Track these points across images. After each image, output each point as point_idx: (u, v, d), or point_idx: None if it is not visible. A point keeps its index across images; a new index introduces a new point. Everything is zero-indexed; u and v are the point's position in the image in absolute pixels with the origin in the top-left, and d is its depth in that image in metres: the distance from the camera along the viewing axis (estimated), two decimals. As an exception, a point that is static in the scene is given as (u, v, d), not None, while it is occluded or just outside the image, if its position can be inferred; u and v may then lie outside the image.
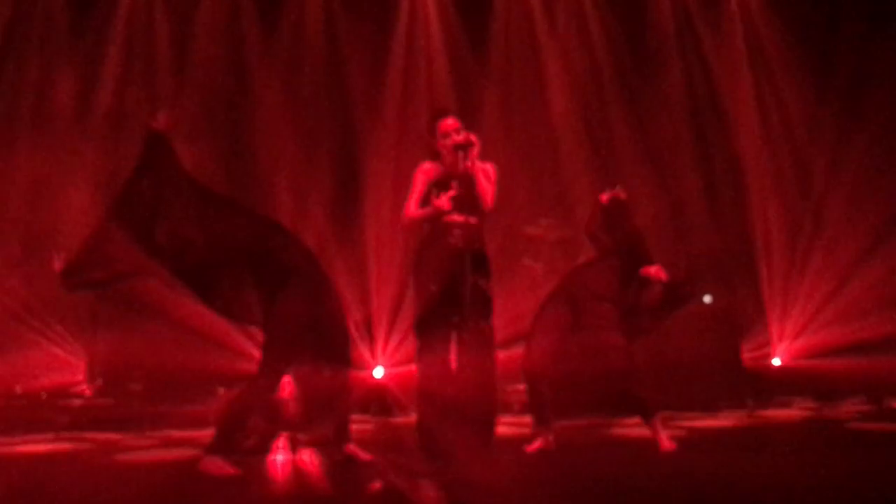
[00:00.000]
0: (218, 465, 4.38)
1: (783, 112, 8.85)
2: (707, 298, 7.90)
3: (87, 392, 7.07)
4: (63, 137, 7.93)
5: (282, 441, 5.30)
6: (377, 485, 4.35)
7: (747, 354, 7.92)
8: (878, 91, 8.33)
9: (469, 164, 4.72)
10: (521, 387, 7.45)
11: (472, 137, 4.76)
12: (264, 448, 5.11)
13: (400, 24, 8.84)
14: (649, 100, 8.84)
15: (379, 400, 7.26)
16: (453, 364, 4.66)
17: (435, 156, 4.92)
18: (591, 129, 8.78)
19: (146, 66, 8.36)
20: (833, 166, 8.43)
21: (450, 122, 4.87)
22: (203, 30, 8.46)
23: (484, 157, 4.85)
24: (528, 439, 5.10)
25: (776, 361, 8.19)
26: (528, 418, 6.15)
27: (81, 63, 8.16)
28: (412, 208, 4.83)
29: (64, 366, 7.43)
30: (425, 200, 4.82)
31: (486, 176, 4.80)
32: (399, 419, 6.83)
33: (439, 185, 4.82)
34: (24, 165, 7.76)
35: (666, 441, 4.93)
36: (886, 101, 8.28)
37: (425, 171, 4.88)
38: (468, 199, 4.77)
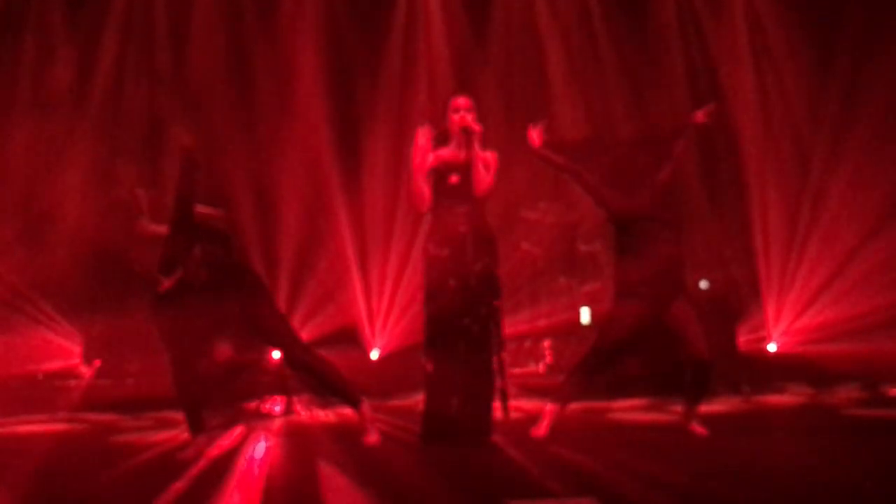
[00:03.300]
0: (192, 450, 4.51)
1: (783, 95, 8.82)
2: (703, 284, 7.91)
3: (84, 374, 7.07)
4: (60, 119, 7.90)
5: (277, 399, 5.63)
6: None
7: (743, 340, 7.94)
8: (879, 76, 8.29)
9: (470, 150, 4.73)
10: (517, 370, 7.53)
11: (474, 126, 4.76)
12: (230, 422, 5.47)
13: (399, 5, 8.79)
14: (650, 83, 8.81)
15: (375, 382, 7.27)
16: (461, 350, 4.68)
17: (444, 135, 4.91)
18: (592, 112, 8.75)
19: (144, 46, 8.31)
20: (833, 151, 8.41)
21: (461, 100, 4.87)
22: (201, 9, 8.40)
23: (484, 140, 4.85)
24: (534, 422, 5.03)
25: (772, 347, 8.20)
26: (522, 403, 6.20)
27: (79, 43, 8.11)
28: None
29: (60, 347, 7.44)
30: (433, 175, 4.83)
31: (485, 164, 4.80)
32: (395, 402, 6.84)
33: (439, 173, 4.83)
34: (21, 147, 7.74)
35: (699, 426, 4.96)
36: (888, 85, 8.25)
37: (424, 147, 4.85)
38: (469, 187, 4.78)
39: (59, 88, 7.98)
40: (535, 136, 5.07)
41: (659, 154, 5.10)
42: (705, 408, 5.17)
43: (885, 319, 7.62)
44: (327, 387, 4.83)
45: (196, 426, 4.61)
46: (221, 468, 4.17)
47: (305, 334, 7.41)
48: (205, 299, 4.62)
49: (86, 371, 7.13)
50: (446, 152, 4.86)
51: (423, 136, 4.86)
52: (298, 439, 5.20)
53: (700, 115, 5.10)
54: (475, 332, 4.72)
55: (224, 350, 5.57)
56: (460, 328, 4.71)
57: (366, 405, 4.80)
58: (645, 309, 4.88)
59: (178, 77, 8.22)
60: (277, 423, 5.84)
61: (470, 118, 4.79)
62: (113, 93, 8.12)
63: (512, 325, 7.61)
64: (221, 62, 8.30)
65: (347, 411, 5.12)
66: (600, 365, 4.96)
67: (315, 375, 4.80)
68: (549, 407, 4.94)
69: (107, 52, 8.20)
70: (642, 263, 4.89)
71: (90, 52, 8.14)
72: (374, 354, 7.90)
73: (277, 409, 6.34)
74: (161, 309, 4.64)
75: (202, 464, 4.25)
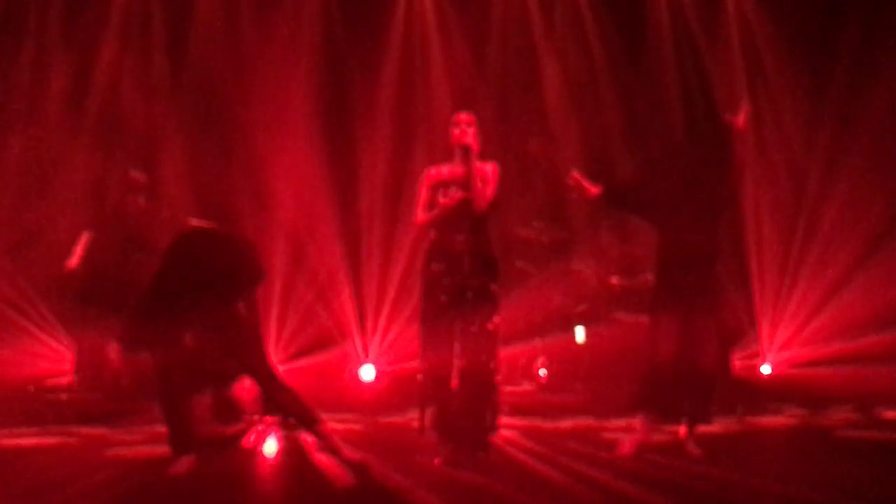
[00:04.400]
0: (182, 465, 4.48)
1: (777, 119, 8.86)
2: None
3: (75, 385, 7.01)
4: (57, 126, 7.89)
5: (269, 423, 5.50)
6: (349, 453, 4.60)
7: (738, 362, 7.95)
8: (873, 99, 8.34)
9: (468, 166, 4.76)
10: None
11: (470, 142, 4.79)
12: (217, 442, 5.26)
13: (396, 21, 8.82)
14: (645, 103, 8.84)
15: (368, 400, 7.25)
16: (456, 364, 4.69)
17: (447, 151, 4.96)
18: (587, 131, 8.77)
19: (142, 56, 8.31)
20: (827, 175, 8.45)
21: (462, 115, 4.91)
22: (200, 18, 8.40)
23: (481, 158, 4.88)
24: (527, 438, 5.02)
25: (766, 369, 8.21)
26: (514, 421, 6.18)
27: (76, 52, 8.11)
28: (420, 215, 4.89)
29: (52, 357, 7.39)
30: (432, 205, 4.88)
31: (483, 178, 4.82)
32: (387, 419, 6.81)
33: (444, 186, 4.87)
34: (17, 154, 7.73)
35: (695, 448, 4.96)
36: (882, 109, 8.29)
37: (430, 176, 4.94)
38: (469, 203, 4.81)
39: (56, 93, 7.96)
40: (591, 186, 5.06)
41: (712, 164, 5.13)
42: (700, 429, 5.17)
43: (878, 342, 7.64)
44: (284, 412, 4.82)
45: (180, 444, 4.54)
46: (213, 485, 4.15)
47: (293, 345, 7.43)
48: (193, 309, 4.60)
49: (76, 384, 7.06)
50: (446, 169, 4.90)
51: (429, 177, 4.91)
52: (286, 457, 5.17)
53: (740, 120, 5.09)
54: (469, 347, 4.72)
55: (212, 362, 5.39)
56: (454, 342, 4.72)
57: (323, 425, 4.74)
58: (678, 319, 4.96)
59: (175, 88, 8.22)
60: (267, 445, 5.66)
61: (470, 133, 4.82)
62: (111, 98, 8.10)
63: (505, 343, 7.60)
64: (219, 73, 8.30)
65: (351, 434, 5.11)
66: (664, 379, 4.95)
67: (273, 400, 4.77)
68: (638, 424, 4.98)
69: (103, 62, 8.19)
70: (678, 290, 4.97)
71: (86, 63, 8.13)
72: (368, 370, 7.82)
73: (271, 446, 5.66)
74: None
75: (193, 480, 4.22)
